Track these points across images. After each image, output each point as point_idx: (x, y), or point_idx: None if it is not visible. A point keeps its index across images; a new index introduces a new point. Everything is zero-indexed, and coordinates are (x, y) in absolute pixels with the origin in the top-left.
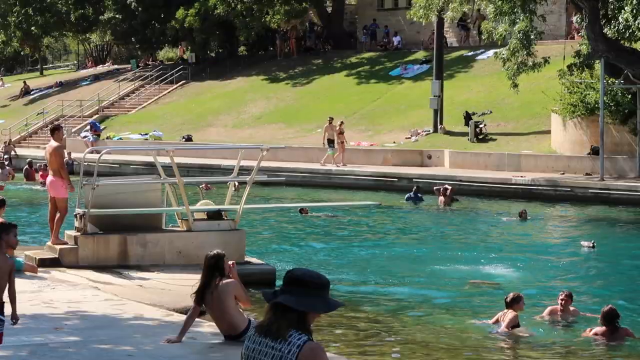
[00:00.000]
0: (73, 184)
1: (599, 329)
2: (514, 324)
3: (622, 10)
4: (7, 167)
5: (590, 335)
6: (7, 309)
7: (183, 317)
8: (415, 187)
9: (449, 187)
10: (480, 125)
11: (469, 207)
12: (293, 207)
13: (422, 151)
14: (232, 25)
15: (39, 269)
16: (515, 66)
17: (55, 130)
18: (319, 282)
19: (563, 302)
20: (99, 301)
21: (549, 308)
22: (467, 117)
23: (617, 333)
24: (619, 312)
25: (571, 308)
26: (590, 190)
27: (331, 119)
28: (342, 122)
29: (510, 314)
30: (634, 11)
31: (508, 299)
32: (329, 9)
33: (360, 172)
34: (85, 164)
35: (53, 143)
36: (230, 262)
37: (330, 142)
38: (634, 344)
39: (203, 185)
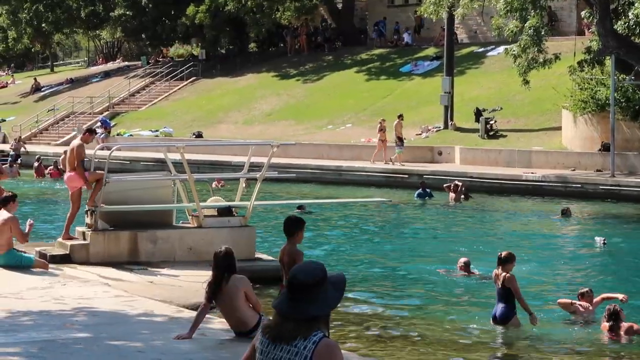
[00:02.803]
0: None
1: (604, 325)
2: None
3: (632, 6)
4: (15, 165)
5: (605, 335)
6: None
7: (193, 314)
8: (421, 183)
9: (460, 184)
10: (491, 122)
11: (481, 204)
12: (303, 203)
13: (432, 148)
14: (243, 21)
15: (50, 265)
16: (526, 62)
17: (87, 132)
18: (314, 281)
19: (584, 299)
20: (109, 297)
21: (575, 305)
22: (478, 113)
23: (623, 329)
24: (627, 308)
25: (590, 307)
26: (601, 187)
27: (401, 117)
28: (384, 120)
29: (513, 281)
30: None
31: (502, 256)
32: (339, 6)
33: (370, 168)
34: (96, 160)
35: (77, 141)
36: None
37: (399, 140)
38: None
39: (216, 181)
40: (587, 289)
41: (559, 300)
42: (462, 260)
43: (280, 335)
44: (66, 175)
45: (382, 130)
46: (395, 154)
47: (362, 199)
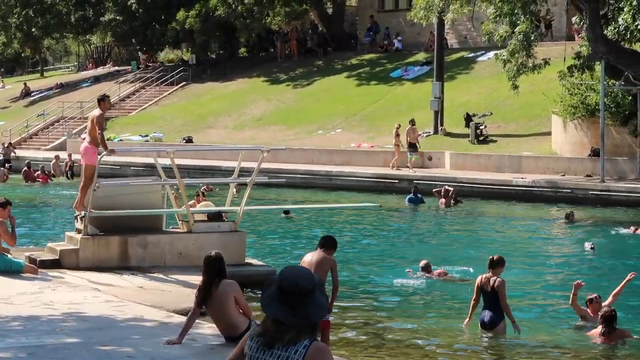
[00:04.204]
0: (74, 184)
1: (596, 330)
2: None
3: (622, 12)
4: (2, 169)
5: (590, 335)
6: None
7: (183, 319)
8: (413, 188)
9: (450, 189)
10: (481, 127)
11: (471, 209)
12: (293, 208)
13: (422, 153)
14: (233, 26)
15: (40, 270)
16: (516, 68)
17: (101, 101)
18: (312, 287)
19: (592, 305)
20: (99, 303)
21: (586, 309)
22: (468, 118)
23: (615, 334)
24: (618, 313)
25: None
26: (590, 192)
27: (413, 122)
28: (399, 125)
29: (502, 286)
30: (632, 12)
31: (495, 259)
32: (330, 11)
33: (360, 173)
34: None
35: (96, 112)
36: None
37: (412, 145)
38: (631, 345)
39: (204, 186)
40: (595, 295)
41: (571, 303)
42: (422, 263)
43: (278, 342)
44: (82, 147)
45: (397, 135)
46: (411, 159)
47: (352, 204)
